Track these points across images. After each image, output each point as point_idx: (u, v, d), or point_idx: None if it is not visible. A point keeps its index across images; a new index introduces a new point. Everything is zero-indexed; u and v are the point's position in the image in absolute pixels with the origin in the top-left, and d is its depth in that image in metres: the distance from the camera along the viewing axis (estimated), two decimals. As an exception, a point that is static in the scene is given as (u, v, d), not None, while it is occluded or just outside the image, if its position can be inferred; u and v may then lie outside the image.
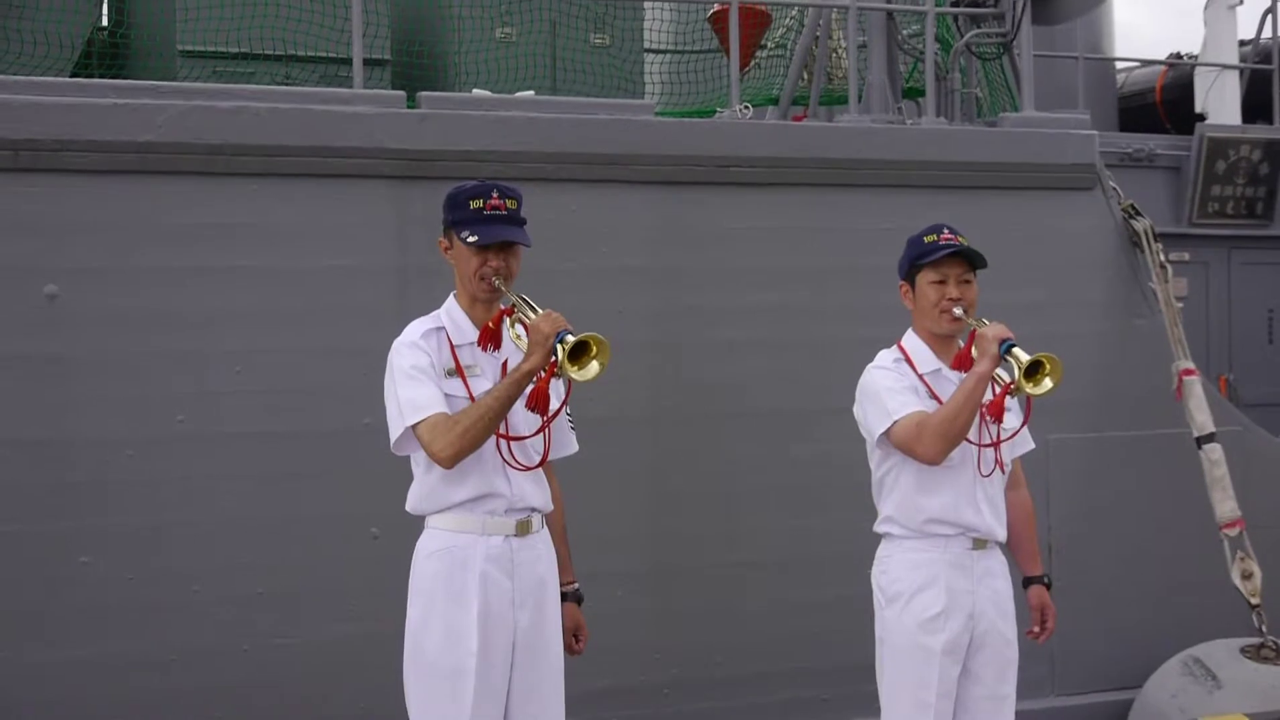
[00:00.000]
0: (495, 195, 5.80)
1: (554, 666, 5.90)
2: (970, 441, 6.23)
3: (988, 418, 6.27)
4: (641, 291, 9.18)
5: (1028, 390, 6.05)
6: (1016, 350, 6.06)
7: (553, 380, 5.63)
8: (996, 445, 6.34)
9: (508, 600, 5.75)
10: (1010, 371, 6.10)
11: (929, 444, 6.10)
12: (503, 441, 5.73)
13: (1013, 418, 6.42)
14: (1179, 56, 15.37)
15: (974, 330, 6.23)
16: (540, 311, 5.63)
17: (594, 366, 5.52)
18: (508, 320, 5.82)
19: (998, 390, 6.25)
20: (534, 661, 5.81)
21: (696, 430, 9.34)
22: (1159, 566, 10.38)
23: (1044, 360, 6.04)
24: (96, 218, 8.14)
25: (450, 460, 5.62)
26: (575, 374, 5.50)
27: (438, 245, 5.94)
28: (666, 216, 9.29)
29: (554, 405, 5.75)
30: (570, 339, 5.47)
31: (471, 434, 5.58)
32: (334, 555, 8.47)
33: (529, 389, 5.61)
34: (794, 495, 9.48)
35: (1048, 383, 6.06)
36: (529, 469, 5.82)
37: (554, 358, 5.49)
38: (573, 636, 6.11)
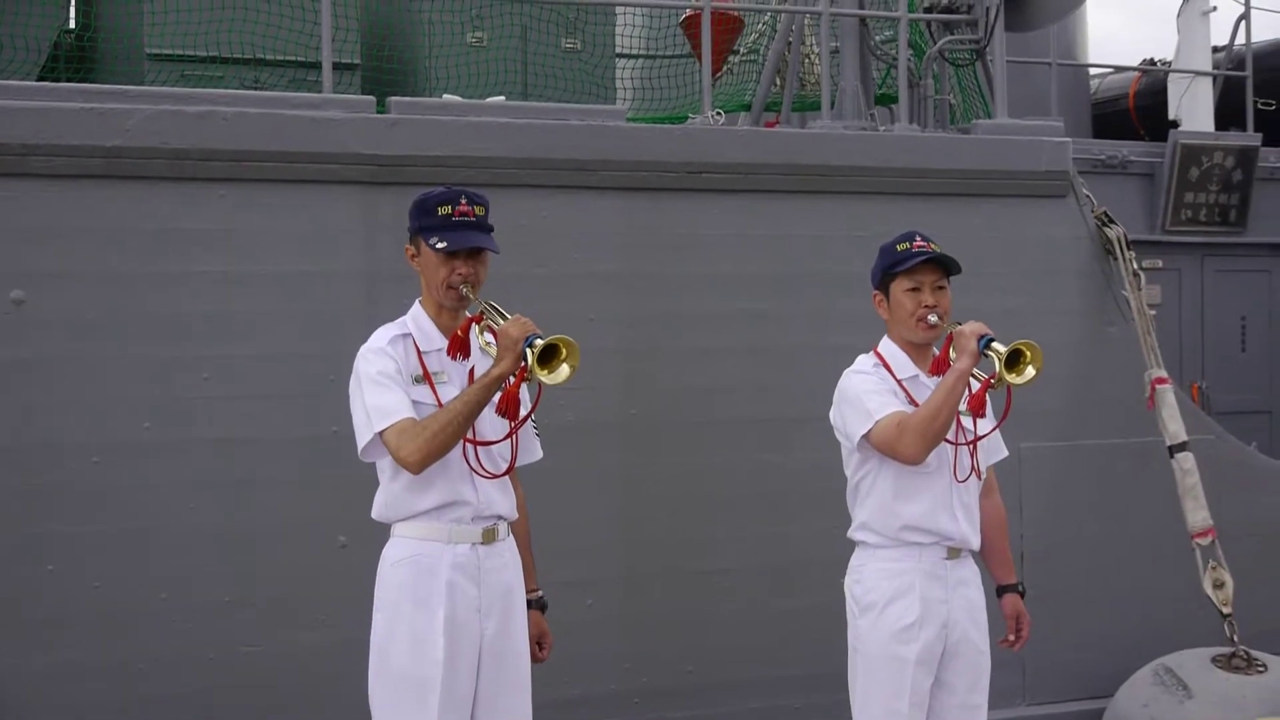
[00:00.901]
0: (463, 201, 5.77)
1: (521, 675, 5.86)
2: (948, 441, 6.20)
3: (964, 417, 6.25)
4: (613, 297, 9.14)
5: (1011, 380, 6.01)
6: (995, 344, 6.04)
7: (522, 385, 5.59)
8: (973, 445, 6.31)
9: (474, 608, 5.71)
10: (991, 365, 6.07)
11: (910, 443, 6.06)
12: (470, 447, 5.69)
13: (986, 425, 6.39)
14: (1152, 63, 15.39)
15: (950, 333, 6.20)
16: (509, 317, 5.58)
17: (564, 369, 5.47)
18: (476, 327, 5.78)
19: (977, 388, 6.22)
20: (500, 670, 5.77)
21: (668, 437, 9.31)
22: (1131, 575, 10.39)
23: (1024, 349, 6.01)
24: (63, 222, 8.09)
25: (418, 465, 5.57)
26: (545, 377, 5.44)
27: (404, 254, 5.89)
28: (638, 222, 9.26)
29: (523, 411, 5.70)
30: (539, 343, 5.43)
31: (440, 439, 5.53)
32: (302, 563, 8.43)
33: (498, 394, 5.57)
34: (766, 502, 9.46)
35: (1030, 370, 6.02)
36: (495, 476, 5.77)
37: (524, 362, 5.45)
38: (536, 644, 6.07)
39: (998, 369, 6.02)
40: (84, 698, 8.07)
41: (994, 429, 6.42)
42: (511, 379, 5.51)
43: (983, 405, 6.26)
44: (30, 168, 8.00)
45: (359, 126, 8.64)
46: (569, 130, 9.13)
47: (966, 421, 6.29)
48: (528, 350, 5.43)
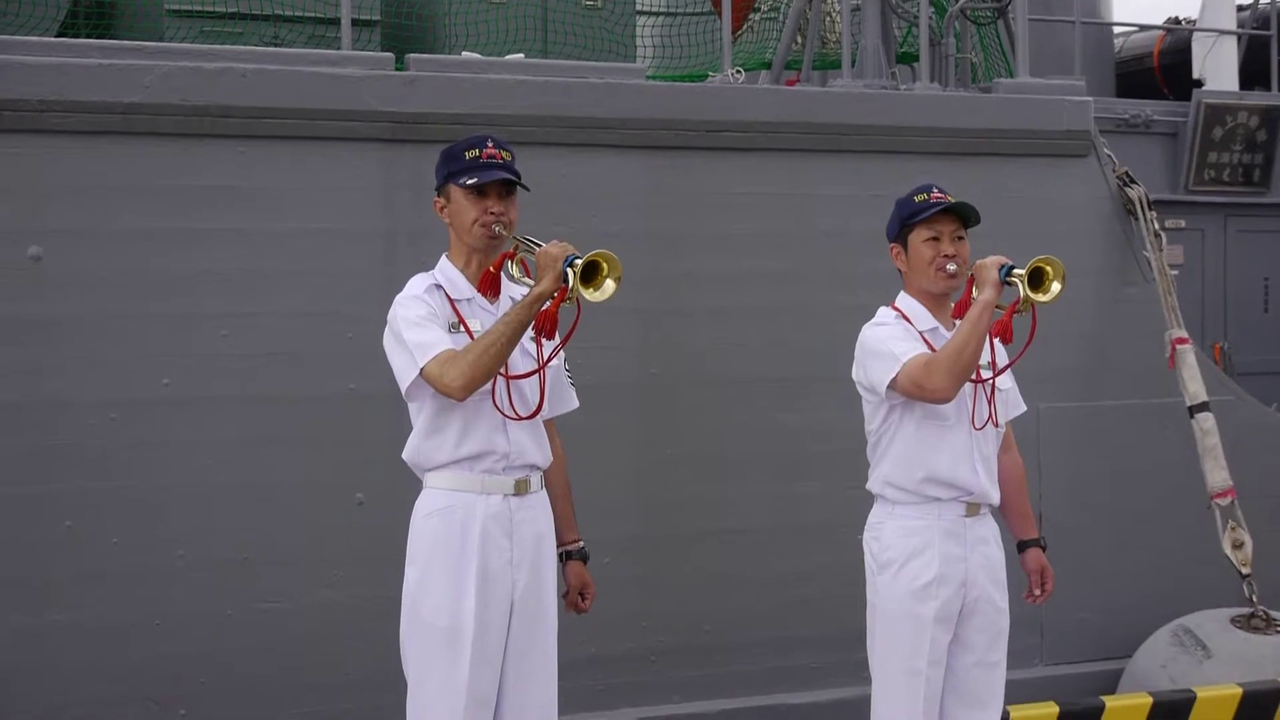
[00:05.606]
0: (490, 145, 5.82)
1: (549, 627, 5.90)
2: (969, 380, 6.18)
3: (983, 369, 6.24)
4: (632, 256, 9.03)
5: (1038, 299, 6.03)
6: (1016, 270, 6.06)
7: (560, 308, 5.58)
8: (991, 390, 6.32)
9: (506, 560, 5.74)
10: (1015, 290, 6.07)
11: (939, 379, 6.03)
12: (502, 386, 5.69)
13: (1008, 360, 6.41)
14: (1177, 21, 15.29)
15: (971, 275, 6.19)
16: (543, 245, 5.59)
17: (609, 285, 5.48)
18: (509, 263, 5.79)
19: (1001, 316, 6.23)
20: (530, 622, 5.81)
21: (686, 396, 9.30)
22: (1150, 536, 10.36)
23: (1044, 265, 6.02)
24: (82, 179, 8.09)
25: (463, 390, 5.54)
26: (591, 295, 5.44)
27: (433, 207, 5.91)
28: (657, 181, 9.23)
29: (557, 343, 5.69)
30: (579, 262, 5.42)
31: (483, 361, 5.52)
32: (319, 520, 8.42)
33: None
34: (783, 462, 9.44)
35: (1055, 286, 6.04)
36: (525, 418, 5.77)
37: (565, 284, 5.43)
38: (579, 595, 6.15)
39: (1022, 293, 6.02)
40: (101, 655, 8.09)
41: (1017, 357, 6.41)
42: (550, 301, 5.50)
43: (1008, 330, 6.26)
44: (48, 124, 8.00)
45: (378, 83, 8.61)
46: (588, 88, 9.10)
47: (985, 371, 6.30)
48: (568, 270, 5.42)
